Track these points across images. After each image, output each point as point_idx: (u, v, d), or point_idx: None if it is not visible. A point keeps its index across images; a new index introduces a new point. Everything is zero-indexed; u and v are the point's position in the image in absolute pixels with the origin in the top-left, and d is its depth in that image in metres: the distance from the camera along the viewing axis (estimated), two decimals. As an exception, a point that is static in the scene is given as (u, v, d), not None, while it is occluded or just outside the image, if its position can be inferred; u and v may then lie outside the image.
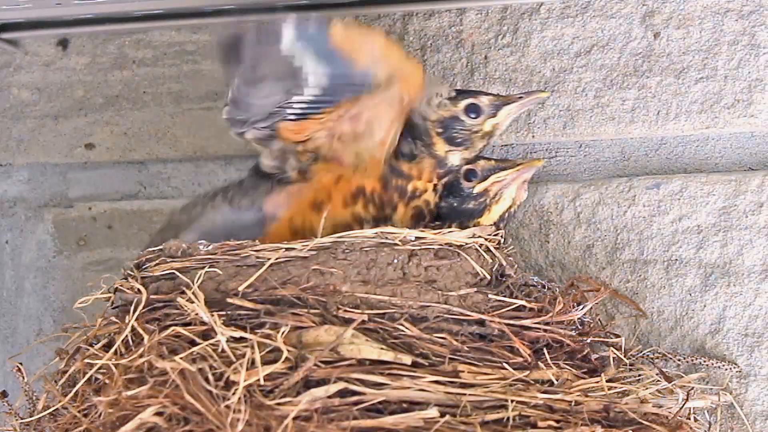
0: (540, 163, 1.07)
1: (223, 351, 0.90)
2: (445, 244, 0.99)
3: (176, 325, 0.93)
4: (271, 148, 1.04)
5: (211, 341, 0.90)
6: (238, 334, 0.90)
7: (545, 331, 0.98)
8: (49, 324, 1.29)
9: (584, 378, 0.97)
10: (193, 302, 0.93)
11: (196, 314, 0.92)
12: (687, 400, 1.00)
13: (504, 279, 1.01)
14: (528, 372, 0.95)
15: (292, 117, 1.01)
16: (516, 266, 1.03)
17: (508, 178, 1.06)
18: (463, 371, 0.92)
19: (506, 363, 0.95)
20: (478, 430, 0.88)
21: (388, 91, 1.02)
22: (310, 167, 1.04)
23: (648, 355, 1.10)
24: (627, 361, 1.05)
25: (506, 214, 1.07)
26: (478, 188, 1.07)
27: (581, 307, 1.02)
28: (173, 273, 0.99)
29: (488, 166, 1.07)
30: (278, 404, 0.86)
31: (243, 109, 1.01)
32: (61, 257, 1.30)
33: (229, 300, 0.95)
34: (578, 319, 1.02)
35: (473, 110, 1.06)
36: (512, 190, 1.07)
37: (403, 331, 0.94)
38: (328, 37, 0.98)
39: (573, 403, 0.93)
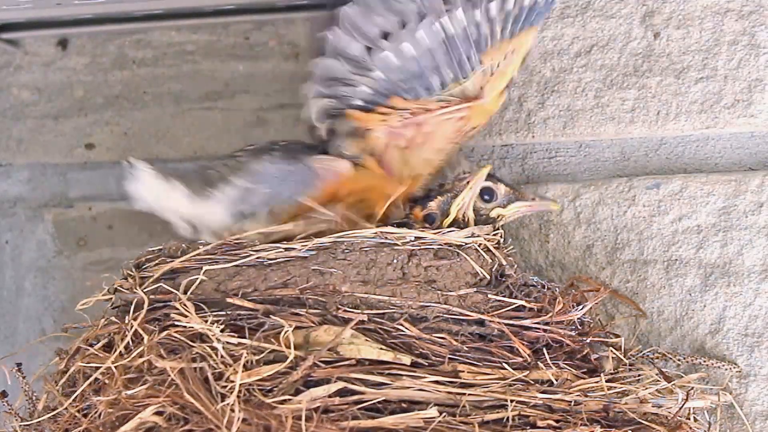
0: (487, 170, 1.07)
1: (224, 348, 0.90)
2: (445, 244, 0.99)
3: (176, 325, 0.93)
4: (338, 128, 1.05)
5: (210, 343, 0.90)
6: (236, 340, 0.90)
7: (545, 331, 0.98)
8: (49, 324, 1.29)
9: (584, 378, 0.97)
10: (186, 315, 0.93)
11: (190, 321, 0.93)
12: (687, 400, 1.00)
13: (504, 279, 1.00)
14: (528, 372, 0.95)
15: (360, 103, 1.02)
16: (516, 266, 1.03)
17: (466, 200, 1.07)
18: (462, 371, 0.92)
19: (506, 363, 0.95)
20: (477, 430, 0.88)
21: (458, 110, 1.03)
22: (360, 159, 1.05)
23: (648, 355, 1.10)
24: (627, 361, 1.05)
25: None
26: (446, 224, 1.06)
27: (581, 307, 1.02)
28: (173, 273, 0.99)
29: (442, 200, 1.07)
30: (278, 403, 0.86)
31: (322, 78, 1.03)
32: (61, 257, 1.30)
33: (229, 300, 0.95)
34: (578, 319, 1.02)
35: (488, 194, 1.07)
36: (471, 207, 1.07)
37: (402, 331, 0.94)
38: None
39: (573, 403, 0.93)
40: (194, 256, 1.00)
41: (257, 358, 0.89)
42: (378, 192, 1.04)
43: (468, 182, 1.07)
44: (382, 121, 1.03)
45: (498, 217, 1.08)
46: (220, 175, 1.04)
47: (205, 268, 0.97)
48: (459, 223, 1.06)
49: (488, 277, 0.99)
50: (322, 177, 1.04)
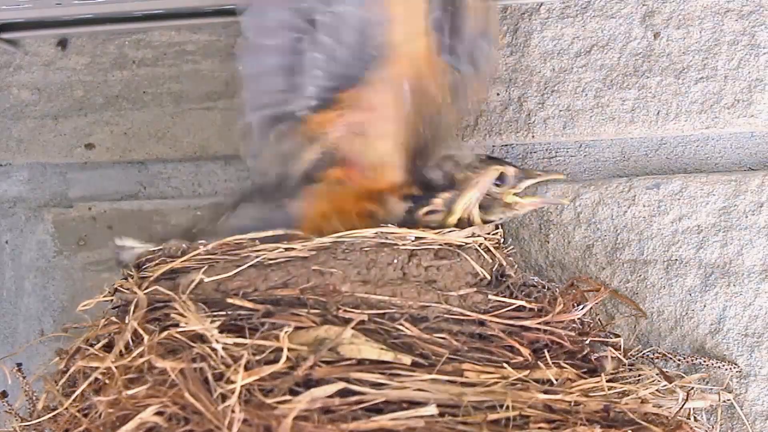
0: (497, 172, 1.04)
1: (224, 348, 0.90)
2: (445, 244, 0.99)
3: (176, 325, 0.93)
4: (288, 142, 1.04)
5: (210, 343, 0.90)
6: (233, 340, 0.90)
7: (545, 331, 0.98)
8: (49, 324, 1.29)
9: (584, 378, 0.97)
10: (185, 315, 0.92)
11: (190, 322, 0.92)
12: (687, 400, 1.00)
13: (504, 279, 1.00)
14: (528, 372, 0.94)
15: (311, 105, 1.01)
16: (516, 266, 1.03)
17: (473, 199, 1.03)
18: (467, 369, 0.92)
19: (506, 363, 0.95)
20: (484, 430, 0.88)
21: (387, 71, 1.00)
22: (326, 169, 1.04)
23: (648, 355, 1.10)
24: (627, 361, 1.05)
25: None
26: (451, 221, 1.03)
27: (581, 307, 1.02)
28: (173, 273, 0.99)
29: (448, 197, 1.03)
30: (278, 403, 0.86)
31: (254, 94, 1.02)
32: (61, 257, 1.30)
33: (229, 300, 0.95)
34: (578, 319, 1.02)
35: (498, 179, 1.05)
36: (476, 207, 1.04)
37: (403, 331, 0.94)
38: None
39: (573, 404, 0.93)
40: (194, 256, 0.99)
41: (258, 358, 0.89)
42: (351, 201, 1.03)
43: (476, 181, 1.04)
44: (338, 116, 1.01)
45: (514, 204, 1.05)
46: (203, 231, 1.05)
47: (205, 267, 0.97)
48: (463, 223, 1.04)
49: (488, 277, 0.99)
50: (297, 217, 1.03)
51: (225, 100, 1.27)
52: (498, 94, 1.20)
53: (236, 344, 0.90)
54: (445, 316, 0.96)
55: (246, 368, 0.87)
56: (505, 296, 0.98)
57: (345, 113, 1.01)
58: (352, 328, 0.92)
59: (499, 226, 1.05)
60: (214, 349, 0.89)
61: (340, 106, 1.01)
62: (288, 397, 0.87)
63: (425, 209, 1.04)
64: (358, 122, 1.02)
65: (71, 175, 1.32)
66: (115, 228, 1.29)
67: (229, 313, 0.94)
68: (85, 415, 0.95)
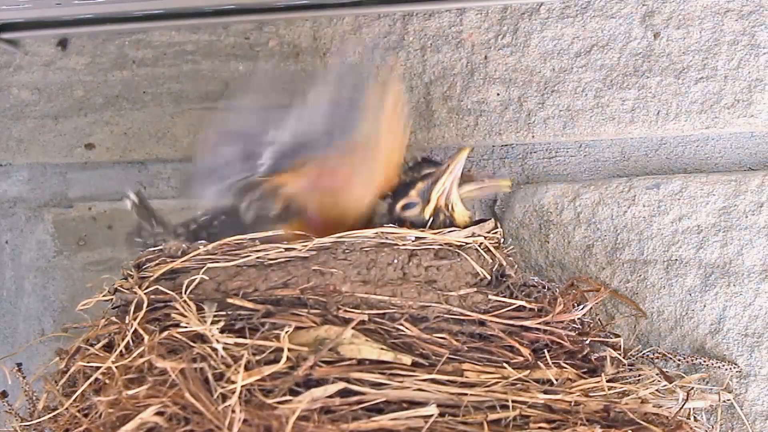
0: (467, 152, 1.02)
1: (224, 348, 0.90)
2: (445, 244, 0.99)
3: (176, 325, 0.93)
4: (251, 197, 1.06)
5: (210, 343, 0.90)
6: (233, 340, 0.90)
7: (545, 331, 0.98)
8: (49, 324, 1.29)
9: (584, 378, 0.97)
10: (185, 315, 0.92)
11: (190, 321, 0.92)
12: (687, 400, 1.00)
13: (504, 279, 1.00)
14: (528, 372, 0.95)
15: (265, 170, 1.04)
16: (516, 266, 1.03)
17: (447, 184, 1.02)
18: (468, 370, 0.92)
19: (506, 363, 0.95)
20: (485, 429, 0.88)
21: (367, 155, 1.04)
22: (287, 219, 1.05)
23: (648, 355, 1.10)
24: (626, 361, 1.05)
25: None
26: (428, 212, 1.02)
27: (581, 307, 1.02)
28: (173, 273, 0.99)
29: (422, 186, 1.03)
30: (279, 403, 0.86)
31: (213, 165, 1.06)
32: (61, 257, 1.30)
33: (230, 300, 0.95)
34: (578, 319, 1.02)
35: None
36: (455, 192, 1.03)
37: (403, 331, 0.94)
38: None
39: (573, 403, 0.93)
40: (194, 256, 1.00)
41: (258, 358, 0.89)
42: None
43: (448, 166, 1.02)
44: (297, 177, 1.03)
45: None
46: None
47: (206, 266, 0.97)
48: (443, 211, 1.02)
49: (489, 277, 0.99)
50: None
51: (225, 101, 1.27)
52: (498, 94, 1.20)
53: (237, 344, 0.90)
54: (445, 316, 0.96)
55: (246, 368, 0.87)
56: (505, 296, 0.98)
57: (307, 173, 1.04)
58: (352, 328, 0.92)
59: (499, 226, 1.05)
60: (214, 349, 0.89)
61: (295, 170, 1.04)
62: (288, 398, 0.87)
63: (402, 202, 1.03)
64: (321, 184, 1.04)
65: (71, 175, 1.32)
66: (115, 228, 1.29)
67: (230, 313, 0.94)
68: (85, 415, 0.95)
